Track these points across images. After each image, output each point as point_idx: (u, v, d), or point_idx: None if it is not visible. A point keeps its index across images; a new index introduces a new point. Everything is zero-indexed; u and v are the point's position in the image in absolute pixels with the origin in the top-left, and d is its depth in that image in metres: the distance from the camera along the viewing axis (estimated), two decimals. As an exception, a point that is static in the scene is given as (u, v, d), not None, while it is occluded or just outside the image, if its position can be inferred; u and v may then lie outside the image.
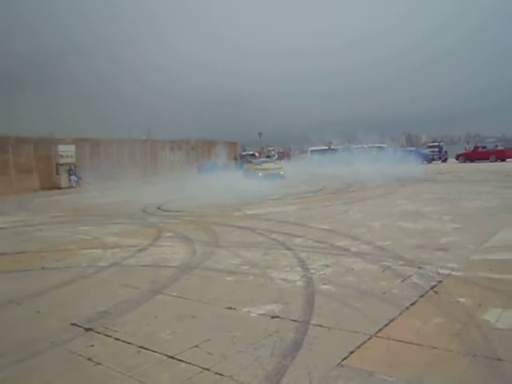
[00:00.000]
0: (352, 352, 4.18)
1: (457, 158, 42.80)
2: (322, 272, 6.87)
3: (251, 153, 56.52)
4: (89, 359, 4.39)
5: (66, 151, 35.66)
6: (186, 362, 4.18)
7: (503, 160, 37.99)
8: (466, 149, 45.90)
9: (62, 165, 35.46)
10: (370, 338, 4.46)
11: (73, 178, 35.42)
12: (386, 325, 4.76)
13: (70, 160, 35.70)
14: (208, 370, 4.01)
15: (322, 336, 4.60)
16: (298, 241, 9.31)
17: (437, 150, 47.52)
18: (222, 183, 25.03)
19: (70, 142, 36.42)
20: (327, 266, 7.22)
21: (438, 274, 6.45)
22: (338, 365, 3.95)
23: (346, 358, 4.06)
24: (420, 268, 6.78)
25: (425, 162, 44.25)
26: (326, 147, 53.10)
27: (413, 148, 52.25)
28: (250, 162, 33.26)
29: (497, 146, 44.30)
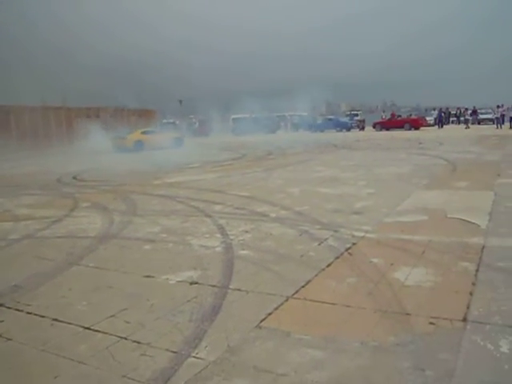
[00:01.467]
0: (270, 314, 4.25)
1: (374, 126, 44.22)
2: (241, 238, 6.92)
3: (172, 121, 55.65)
4: (-1, 335, 4.20)
5: (-29, 119, 33.38)
6: (102, 332, 4.10)
7: (417, 128, 39.72)
8: (382, 117, 47.53)
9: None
10: (286, 300, 4.55)
11: None
12: (303, 286, 4.87)
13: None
14: (125, 338, 3.95)
15: (240, 300, 4.64)
16: (217, 208, 9.31)
17: (347, 118, 49.06)
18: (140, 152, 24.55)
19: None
20: (246, 231, 7.28)
21: (353, 236, 6.67)
22: (255, 327, 4.01)
23: (263, 320, 4.13)
24: (336, 231, 6.98)
25: (344, 130, 45.48)
26: (248, 115, 53.19)
27: (332, 116, 53.41)
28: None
29: (411, 115, 46.25)
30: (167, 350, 3.69)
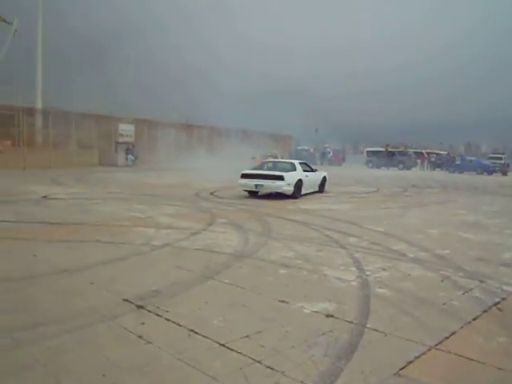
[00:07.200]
0: (410, 362, 3.98)
1: (520, 171, 41.16)
2: (377, 275, 6.65)
3: (306, 148, 56.28)
4: (140, 337, 4.37)
5: (126, 130, 36.52)
6: (237, 352, 4.10)
7: None
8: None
9: (120, 143, 36.32)
10: (429, 350, 4.24)
11: (129, 156, 36.17)
12: (447, 338, 4.52)
13: (128, 139, 36.55)
14: (260, 362, 3.90)
15: (378, 341, 4.42)
16: (352, 240, 9.09)
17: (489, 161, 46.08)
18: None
19: (130, 122, 37.19)
20: (383, 269, 6.99)
21: (502, 290, 6.12)
22: (395, 374, 3.77)
23: (403, 368, 3.87)
24: (482, 282, 6.46)
25: (485, 173, 42.84)
26: (383, 149, 52.25)
27: (473, 158, 50.53)
28: None
29: None
30: (301, 382, 3.58)
